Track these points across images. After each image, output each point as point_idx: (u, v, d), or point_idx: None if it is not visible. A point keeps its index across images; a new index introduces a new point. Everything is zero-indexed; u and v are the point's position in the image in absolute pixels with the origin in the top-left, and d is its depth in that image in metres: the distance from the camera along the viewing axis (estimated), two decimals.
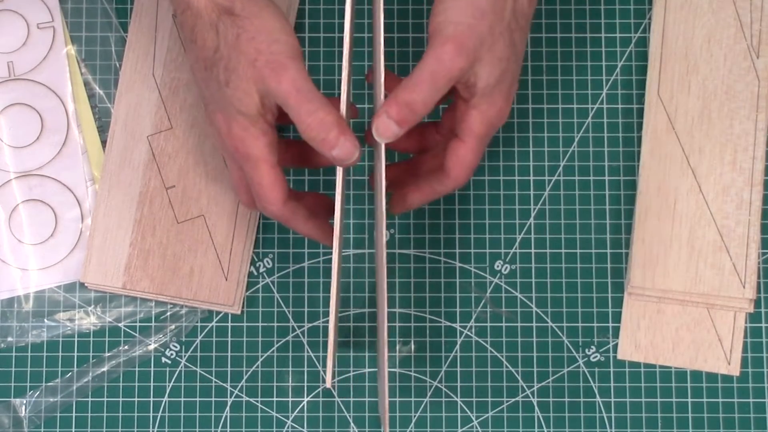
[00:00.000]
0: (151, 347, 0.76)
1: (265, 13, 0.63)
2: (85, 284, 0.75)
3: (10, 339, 0.76)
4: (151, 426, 0.75)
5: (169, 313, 0.76)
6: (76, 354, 0.76)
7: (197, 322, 0.76)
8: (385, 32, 0.64)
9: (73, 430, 0.75)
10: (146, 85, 0.76)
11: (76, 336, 0.76)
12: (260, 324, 0.76)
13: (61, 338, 0.76)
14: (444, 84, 0.63)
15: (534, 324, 0.76)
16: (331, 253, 0.76)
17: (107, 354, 0.76)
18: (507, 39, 0.64)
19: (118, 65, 0.78)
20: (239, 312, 0.76)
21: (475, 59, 0.63)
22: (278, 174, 0.65)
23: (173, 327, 0.76)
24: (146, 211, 0.75)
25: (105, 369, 0.75)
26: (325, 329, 0.76)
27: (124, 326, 0.76)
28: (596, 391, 0.76)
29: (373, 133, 0.63)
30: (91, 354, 0.76)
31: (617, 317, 0.76)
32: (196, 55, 0.65)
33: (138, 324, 0.76)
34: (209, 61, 0.65)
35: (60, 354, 0.75)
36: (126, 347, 0.76)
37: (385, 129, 0.63)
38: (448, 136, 0.67)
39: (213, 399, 0.75)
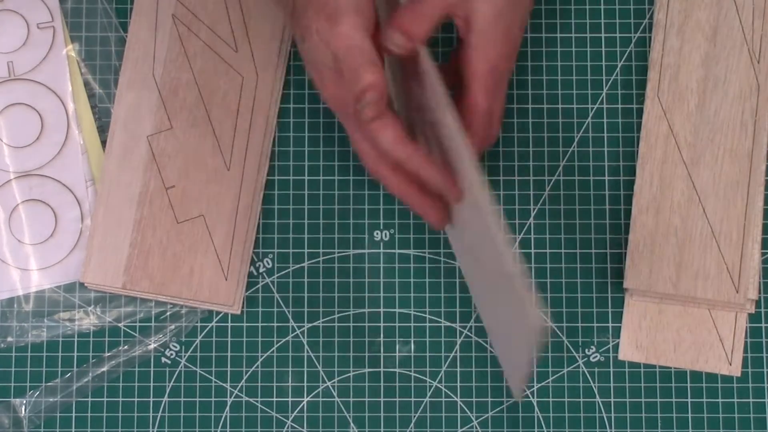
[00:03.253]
0: (151, 347, 0.76)
1: None
2: (85, 284, 0.75)
3: (10, 339, 0.76)
4: (151, 426, 0.75)
5: (169, 313, 0.76)
6: (76, 354, 0.76)
7: (197, 322, 0.76)
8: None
9: (73, 430, 0.75)
10: (146, 85, 0.76)
11: (76, 336, 0.76)
12: (260, 324, 0.76)
13: (61, 338, 0.76)
14: (439, 10, 0.63)
15: None
16: (333, 253, 0.76)
17: (107, 354, 0.76)
18: None
19: (118, 65, 0.78)
20: (239, 312, 0.76)
21: None
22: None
23: (173, 327, 0.76)
24: (146, 211, 0.75)
25: (105, 369, 0.75)
26: (326, 329, 0.76)
27: (124, 326, 0.76)
28: (596, 391, 0.75)
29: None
30: (91, 354, 0.76)
31: (617, 317, 0.76)
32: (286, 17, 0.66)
33: (138, 324, 0.76)
34: (291, 21, 0.65)
35: (60, 354, 0.75)
36: (126, 347, 0.76)
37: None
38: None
39: (213, 399, 0.75)
